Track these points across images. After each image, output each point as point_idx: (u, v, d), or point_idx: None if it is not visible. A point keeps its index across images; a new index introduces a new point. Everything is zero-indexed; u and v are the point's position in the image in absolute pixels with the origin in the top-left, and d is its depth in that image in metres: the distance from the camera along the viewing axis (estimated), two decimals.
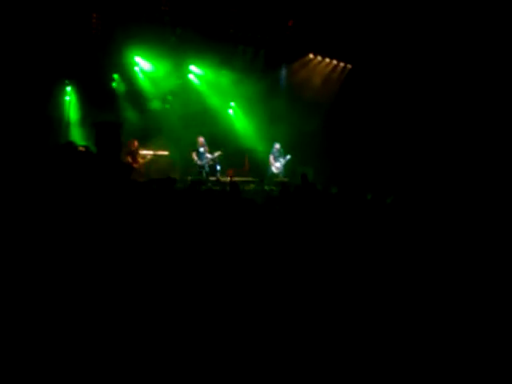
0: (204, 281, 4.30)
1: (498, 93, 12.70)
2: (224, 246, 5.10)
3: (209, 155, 14.26)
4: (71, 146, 11.75)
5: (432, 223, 6.43)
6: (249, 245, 5.14)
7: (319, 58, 16.54)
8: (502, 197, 9.12)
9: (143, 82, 15.34)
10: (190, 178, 13.96)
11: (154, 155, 14.38)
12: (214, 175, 14.39)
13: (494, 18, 12.18)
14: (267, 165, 15.29)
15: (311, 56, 16.40)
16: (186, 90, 16.05)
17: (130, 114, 14.68)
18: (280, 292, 4.13)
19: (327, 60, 16.71)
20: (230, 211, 6.27)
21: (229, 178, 15.27)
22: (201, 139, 14.34)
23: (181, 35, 14.05)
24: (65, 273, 4.22)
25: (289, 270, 4.60)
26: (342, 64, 17.00)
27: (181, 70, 15.73)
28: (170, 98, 15.89)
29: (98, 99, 13.87)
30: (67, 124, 13.90)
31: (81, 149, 11.93)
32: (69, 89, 14.00)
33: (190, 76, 16.29)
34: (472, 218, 6.64)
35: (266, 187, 14.63)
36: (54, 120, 13.18)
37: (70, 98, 14.05)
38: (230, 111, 17.32)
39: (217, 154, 14.35)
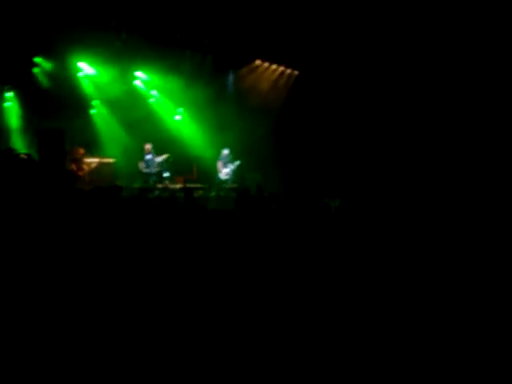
0: (156, 289, 4.20)
1: (446, 93, 13.07)
2: (176, 254, 5.01)
3: (156, 159, 14.03)
4: (11, 152, 11.38)
5: (381, 226, 6.50)
6: (202, 252, 5.07)
7: (266, 64, 16.58)
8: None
9: (88, 88, 14.95)
10: (136, 185, 13.70)
11: (100, 163, 14.02)
12: (161, 182, 14.17)
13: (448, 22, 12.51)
14: (216, 171, 15.18)
15: (258, 62, 16.43)
16: (132, 96, 15.75)
17: (74, 121, 14.27)
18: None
19: (274, 66, 16.78)
20: (182, 218, 6.17)
21: (178, 185, 15.10)
22: (148, 146, 14.12)
23: (126, 40, 13.77)
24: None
25: (246, 276, 4.54)
26: (288, 70, 17.10)
27: (127, 76, 15.42)
28: (115, 104, 15.58)
29: (40, 106, 13.45)
30: (8, 131, 13.38)
31: (22, 156, 11.58)
32: (9, 95, 13.47)
33: (136, 82, 16.01)
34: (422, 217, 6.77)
35: (213, 193, 14.54)
36: None
37: (11, 104, 13.52)
38: (178, 117, 17.13)
39: (164, 156, 14.15)
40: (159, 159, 14.08)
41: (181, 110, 17.02)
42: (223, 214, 6.95)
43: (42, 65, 13.73)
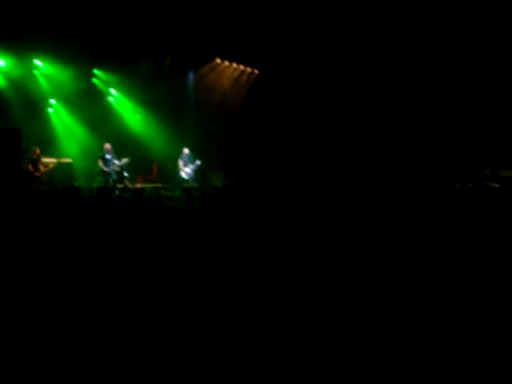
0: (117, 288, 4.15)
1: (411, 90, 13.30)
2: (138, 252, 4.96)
3: (116, 161, 13.84)
4: None
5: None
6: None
7: (226, 62, 16.55)
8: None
9: (44, 86, 14.62)
10: (95, 185, 13.48)
11: (57, 163, 13.73)
12: (121, 182, 13.97)
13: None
14: (176, 170, 15.08)
15: (218, 61, 16.39)
16: (90, 95, 15.49)
17: (29, 120, 13.94)
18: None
19: (234, 65, 16.76)
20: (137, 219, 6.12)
21: (138, 185, 14.93)
22: (107, 146, 13.91)
23: (82, 39, 13.49)
24: None
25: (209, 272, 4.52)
26: (249, 69, 17.11)
27: (85, 74, 15.15)
28: (72, 103, 15.30)
29: None
30: None
31: None
32: None
33: (94, 80, 15.76)
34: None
35: (178, 193, 14.41)
36: None
37: None
38: (137, 117, 16.93)
39: (124, 160, 13.96)
40: (119, 163, 13.87)
41: (140, 109, 16.84)
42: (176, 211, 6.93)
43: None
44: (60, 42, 13.24)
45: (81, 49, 13.75)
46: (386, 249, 5.40)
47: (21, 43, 12.85)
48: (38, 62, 14.20)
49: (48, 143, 14.33)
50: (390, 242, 5.64)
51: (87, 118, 15.29)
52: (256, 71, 17.25)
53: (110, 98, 16.44)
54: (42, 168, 12.93)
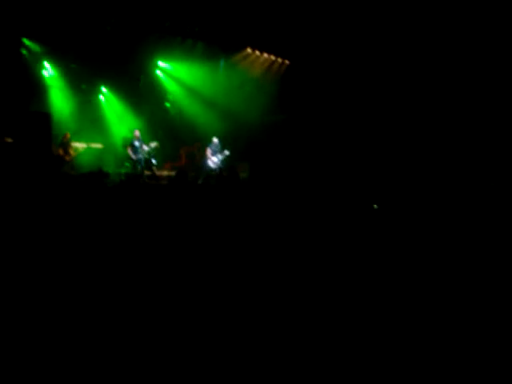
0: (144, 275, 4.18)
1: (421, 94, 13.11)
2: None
3: (145, 147, 13.95)
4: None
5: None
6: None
7: (257, 52, 16.49)
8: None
9: (77, 73, 14.80)
10: (123, 171, 13.63)
11: (87, 147, 13.93)
12: (149, 169, 14.09)
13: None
14: (204, 159, 15.12)
15: (249, 50, 16.33)
16: (120, 82, 15.66)
17: (61, 105, 14.17)
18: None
19: (265, 55, 16.69)
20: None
21: (165, 172, 15.05)
22: (136, 132, 14.02)
23: (115, 27, 13.60)
24: None
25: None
26: (279, 59, 17.03)
27: (122, 61, 15.29)
28: (105, 89, 15.51)
29: (27, 88, 13.30)
30: None
31: (8, 140, 11.49)
32: None
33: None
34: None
35: (200, 181, 14.47)
36: None
37: None
38: (167, 104, 17.05)
39: (153, 144, 14.06)
40: (148, 147, 13.99)
41: (170, 97, 16.95)
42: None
43: (30, 47, 13.52)
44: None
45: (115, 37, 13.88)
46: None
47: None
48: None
49: (79, 128, 14.54)
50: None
51: (118, 104, 15.49)
52: (287, 62, 17.15)
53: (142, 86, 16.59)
54: (72, 152, 13.11)
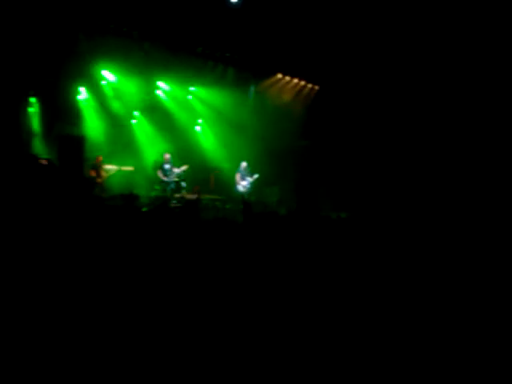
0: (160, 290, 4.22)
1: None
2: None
3: (175, 169, 14.11)
4: (33, 157, 11.58)
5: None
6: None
7: (287, 77, 16.63)
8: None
9: (110, 97, 15.12)
10: (153, 194, 13.79)
11: (118, 170, 14.15)
12: (178, 192, 14.23)
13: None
14: (233, 183, 15.22)
15: (279, 76, 16.48)
16: (153, 106, 15.95)
17: (94, 128, 14.48)
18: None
19: (295, 80, 16.82)
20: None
21: (195, 196, 15.16)
22: (167, 156, 14.21)
23: (149, 50, 13.93)
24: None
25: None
26: (309, 85, 17.14)
27: (149, 86, 15.63)
28: (137, 113, 15.81)
29: (62, 112, 13.66)
30: (31, 136, 13.56)
31: (43, 161, 11.76)
32: (32, 100, 13.66)
33: (158, 92, 16.18)
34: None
35: (228, 206, 14.56)
36: (22, 131, 12.87)
37: (33, 109, 13.69)
38: (198, 128, 17.27)
39: (183, 167, 14.22)
40: (178, 170, 14.15)
41: (201, 121, 17.18)
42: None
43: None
44: (125, 53, 13.73)
45: (145, 60, 14.21)
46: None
47: (90, 53, 13.43)
48: (104, 72, 14.72)
49: (111, 151, 14.81)
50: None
51: (149, 128, 15.76)
52: (316, 87, 17.25)
53: (171, 109, 16.83)
54: (103, 175, 13.33)
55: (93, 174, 12.98)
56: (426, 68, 13.44)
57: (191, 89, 16.59)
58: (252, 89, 17.09)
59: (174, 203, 13.56)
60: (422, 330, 3.50)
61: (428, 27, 12.77)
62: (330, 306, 4.08)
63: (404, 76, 13.88)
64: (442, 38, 12.80)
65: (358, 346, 3.34)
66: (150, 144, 15.84)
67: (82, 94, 14.59)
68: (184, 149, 16.10)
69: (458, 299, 4.08)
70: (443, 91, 13.32)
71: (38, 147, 13.39)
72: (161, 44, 13.78)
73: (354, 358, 3.15)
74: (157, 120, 16.04)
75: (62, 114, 13.75)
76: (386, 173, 14.36)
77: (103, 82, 14.87)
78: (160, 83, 16.03)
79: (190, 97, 16.82)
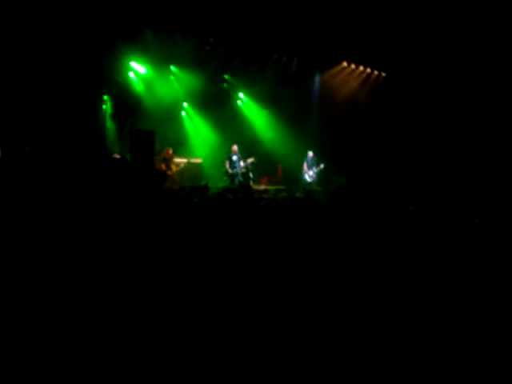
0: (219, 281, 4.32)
1: None
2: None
3: (242, 162, 14.32)
4: (107, 152, 12.07)
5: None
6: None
7: (353, 65, 16.41)
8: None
9: (178, 91, 15.46)
10: (221, 185, 14.03)
11: (188, 163, 14.48)
12: (247, 183, 14.42)
13: None
14: (301, 173, 15.26)
15: (345, 64, 16.30)
16: (220, 99, 16.18)
17: (164, 122, 14.89)
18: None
19: (361, 68, 16.58)
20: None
21: (262, 186, 15.32)
22: (234, 147, 14.44)
23: (214, 44, 14.14)
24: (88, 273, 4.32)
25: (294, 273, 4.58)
26: (376, 72, 16.84)
27: (216, 79, 15.84)
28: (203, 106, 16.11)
29: (131, 108, 14.18)
30: (105, 132, 14.10)
31: (116, 156, 12.24)
32: (105, 98, 14.19)
33: (225, 85, 16.40)
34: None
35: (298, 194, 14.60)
36: (98, 128, 13.44)
37: (106, 106, 14.23)
38: (264, 120, 17.36)
39: (250, 160, 14.41)
40: (245, 163, 14.35)
41: (267, 112, 17.26)
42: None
43: (135, 69, 14.37)
44: (191, 47, 14.00)
45: (211, 53, 14.44)
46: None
47: (159, 51, 13.78)
48: (173, 69, 15.07)
49: (180, 144, 15.20)
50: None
51: (217, 120, 16.02)
52: (383, 74, 16.93)
53: (239, 102, 17.01)
54: (174, 167, 13.69)
55: (163, 166, 13.37)
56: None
57: (257, 81, 16.69)
58: (317, 78, 16.99)
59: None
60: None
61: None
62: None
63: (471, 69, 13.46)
64: None
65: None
66: (218, 137, 16.08)
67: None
68: (251, 141, 16.28)
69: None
70: None
71: (112, 142, 13.94)
72: (225, 37, 13.93)
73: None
74: (224, 113, 16.27)
75: (132, 110, 14.25)
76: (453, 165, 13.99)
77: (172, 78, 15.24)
78: (226, 76, 16.23)
79: (255, 89, 16.92)
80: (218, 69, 15.41)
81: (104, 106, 14.10)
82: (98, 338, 3.31)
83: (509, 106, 13.00)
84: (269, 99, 16.52)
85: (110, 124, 14.19)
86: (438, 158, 14.48)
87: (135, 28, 12.82)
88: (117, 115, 14.17)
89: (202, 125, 16.15)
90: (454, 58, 13.82)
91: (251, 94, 16.89)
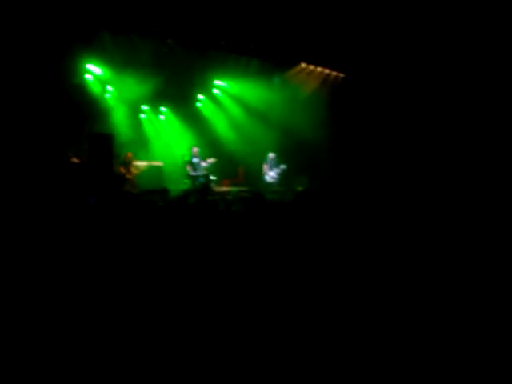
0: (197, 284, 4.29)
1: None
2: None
3: (203, 163, 14.26)
4: (65, 156, 11.84)
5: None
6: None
7: (312, 67, 16.54)
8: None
9: (137, 94, 15.28)
10: (183, 188, 13.95)
11: (148, 166, 14.33)
12: (208, 185, 14.39)
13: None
14: (262, 174, 15.29)
15: (303, 65, 16.40)
16: (179, 101, 16.09)
17: (123, 126, 14.70)
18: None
19: (319, 69, 16.72)
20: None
21: (224, 188, 15.30)
22: (195, 149, 14.37)
23: (173, 46, 14.02)
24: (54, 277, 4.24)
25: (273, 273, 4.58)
26: (334, 73, 17.01)
27: (175, 82, 15.70)
28: (164, 109, 15.99)
29: (89, 111, 13.94)
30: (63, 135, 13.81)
31: (74, 160, 12.02)
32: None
33: (184, 87, 16.30)
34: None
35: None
36: (55, 132, 13.15)
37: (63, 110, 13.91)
38: (224, 121, 17.37)
39: (211, 160, 14.36)
40: (206, 164, 14.29)
41: (226, 114, 17.26)
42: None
43: (92, 71, 14.14)
44: (148, 50, 13.88)
45: (169, 56, 14.32)
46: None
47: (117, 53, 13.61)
48: (132, 71, 14.87)
49: (141, 147, 15.03)
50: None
51: (177, 122, 15.93)
52: (341, 75, 17.12)
53: (198, 104, 16.96)
54: (133, 171, 13.52)
55: (122, 170, 13.19)
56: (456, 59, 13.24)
57: (216, 82, 16.67)
58: (276, 80, 17.08)
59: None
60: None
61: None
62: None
63: (436, 64, 13.70)
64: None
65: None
66: (178, 139, 16.00)
67: (109, 92, 14.81)
68: (212, 143, 16.26)
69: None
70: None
71: (70, 147, 13.66)
72: (183, 39, 13.83)
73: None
74: (183, 115, 16.19)
75: (91, 114, 14.02)
76: (417, 162, 14.22)
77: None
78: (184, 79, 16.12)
79: (215, 90, 16.90)
80: (176, 70, 15.28)
81: (61, 110, 13.82)
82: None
83: (463, 103, 13.28)
84: (229, 100, 16.52)
85: (67, 128, 13.91)
86: (396, 155, 14.70)
87: (92, 30, 12.61)
88: (75, 119, 13.89)
89: (162, 127, 16.04)
90: (408, 59, 14.07)
91: (211, 96, 16.87)
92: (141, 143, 15.13)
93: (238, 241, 5.54)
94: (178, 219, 6.59)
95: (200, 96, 16.89)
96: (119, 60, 13.94)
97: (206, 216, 6.44)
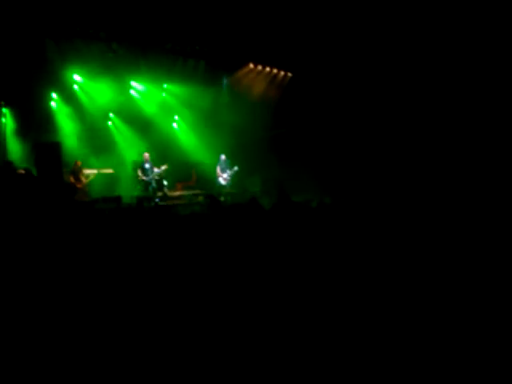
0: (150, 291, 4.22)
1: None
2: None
3: (156, 169, 14.07)
4: (10, 167, 11.46)
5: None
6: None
7: (259, 67, 16.60)
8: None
9: (84, 100, 14.97)
10: (135, 194, 13.73)
11: (98, 173, 14.05)
12: (161, 190, 14.23)
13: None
14: (214, 177, 15.23)
15: (251, 66, 16.44)
16: (128, 106, 15.84)
17: (71, 134, 14.37)
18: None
19: (267, 69, 16.80)
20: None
21: (177, 192, 15.17)
22: (146, 155, 14.17)
23: (118, 50, 13.80)
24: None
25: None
26: (282, 72, 17.13)
27: (122, 86, 15.48)
28: (112, 114, 15.72)
29: (36, 120, 13.54)
30: (3, 146, 13.37)
31: (21, 171, 11.65)
32: (5, 111, 13.47)
33: (132, 92, 16.06)
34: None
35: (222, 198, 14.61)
36: None
37: (6, 119, 13.49)
38: (175, 125, 17.23)
39: (163, 167, 14.18)
40: (158, 170, 14.10)
41: (177, 117, 17.13)
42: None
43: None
44: (94, 55, 13.62)
45: (115, 60, 14.09)
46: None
47: (59, 58, 13.29)
48: (76, 77, 14.55)
49: (89, 154, 14.70)
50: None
51: (126, 128, 15.68)
52: (289, 74, 17.26)
53: (148, 108, 16.76)
54: (83, 179, 13.23)
55: (72, 179, 12.89)
56: (404, 56, 13.50)
57: (165, 86, 16.51)
58: (225, 81, 17.07)
59: (156, 201, 13.60)
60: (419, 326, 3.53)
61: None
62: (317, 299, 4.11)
63: (380, 62, 13.95)
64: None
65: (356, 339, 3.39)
66: (128, 145, 15.76)
67: (55, 100, 14.44)
68: (163, 147, 16.07)
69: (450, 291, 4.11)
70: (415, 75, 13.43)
71: (15, 157, 13.23)
72: (128, 43, 13.65)
73: (354, 354, 3.18)
74: (133, 120, 15.95)
75: (37, 123, 13.62)
76: (365, 158, 14.44)
77: (75, 87, 14.70)
78: (133, 83, 15.90)
79: (164, 94, 16.73)
80: (123, 75, 15.05)
81: (3, 120, 13.39)
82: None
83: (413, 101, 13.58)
84: (179, 104, 16.40)
85: (12, 139, 13.47)
86: (346, 153, 14.91)
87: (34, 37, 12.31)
88: (21, 129, 13.47)
89: (113, 134, 15.77)
90: (353, 56, 14.31)
91: (160, 101, 16.70)
92: (90, 151, 14.78)
93: (196, 244, 5.49)
94: (135, 225, 6.49)
95: (149, 101, 16.67)
96: (64, 67, 13.66)
97: (164, 220, 6.36)
